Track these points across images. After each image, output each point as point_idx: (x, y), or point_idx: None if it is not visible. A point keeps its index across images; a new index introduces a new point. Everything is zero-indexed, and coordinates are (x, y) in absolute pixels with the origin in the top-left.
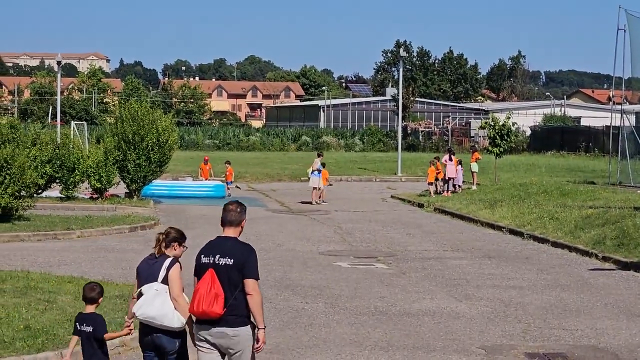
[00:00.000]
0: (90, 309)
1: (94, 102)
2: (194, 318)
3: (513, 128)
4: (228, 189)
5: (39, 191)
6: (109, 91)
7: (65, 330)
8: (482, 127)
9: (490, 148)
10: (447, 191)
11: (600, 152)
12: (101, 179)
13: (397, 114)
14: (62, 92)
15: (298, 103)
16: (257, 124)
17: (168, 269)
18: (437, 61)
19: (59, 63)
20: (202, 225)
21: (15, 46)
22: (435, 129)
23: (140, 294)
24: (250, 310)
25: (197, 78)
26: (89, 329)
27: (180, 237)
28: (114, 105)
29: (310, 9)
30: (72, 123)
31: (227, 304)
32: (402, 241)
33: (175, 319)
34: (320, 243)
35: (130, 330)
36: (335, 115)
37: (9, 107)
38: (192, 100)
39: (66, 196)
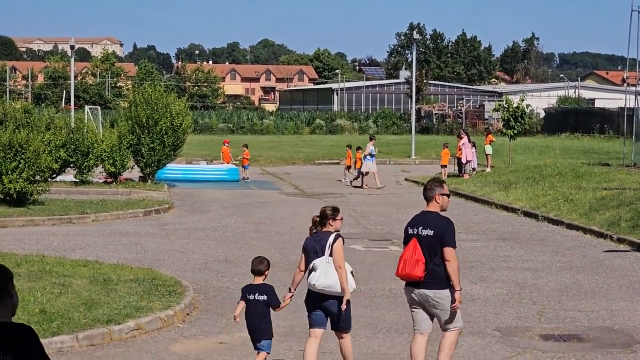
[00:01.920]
0: (259, 280)
1: (108, 86)
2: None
3: (527, 110)
4: (244, 171)
5: (54, 175)
6: (122, 75)
7: (81, 314)
8: (495, 110)
9: (504, 130)
10: (465, 173)
11: (614, 133)
12: (115, 163)
13: (411, 97)
14: (75, 77)
15: (311, 86)
16: (270, 107)
17: (332, 243)
18: (450, 44)
19: (72, 47)
20: (216, 209)
21: (28, 31)
22: (449, 112)
23: (312, 268)
24: (448, 274)
25: (210, 62)
26: (263, 297)
27: (332, 214)
28: (127, 89)
29: None
30: (86, 107)
31: (427, 268)
32: None
33: (336, 286)
34: None
35: (289, 301)
36: (348, 98)
37: (23, 92)
38: (205, 84)
39: (80, 180)
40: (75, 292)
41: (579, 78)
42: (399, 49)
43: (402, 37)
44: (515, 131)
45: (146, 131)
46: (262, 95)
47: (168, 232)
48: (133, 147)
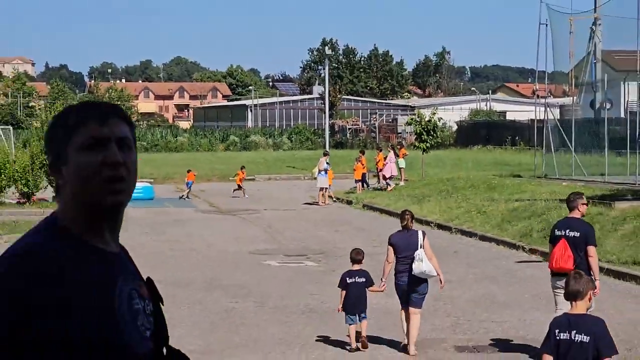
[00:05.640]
0: (356, 267)
1: (20, 106)
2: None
3: (439, 123)
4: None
5: None
6: (34, 95)
7: None
8: (408, 124)
9: (417, 144)
10: (389, 187)
11: (525, 145)
12: (28, 183)
13: (325, 112)
14: None
15: (225, 103)
16: (185, 125)
17: (423, 238)
18: (363, 59)
19: None
20: (131, 228)
21: None
22: (363, 126)
23: (415, 259)
24: (591, 266)
25: (123, 80)
26: (362, 279)
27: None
28: (39, 109)
29: (235, 8)
30: None
31: (575, 262)
32: (331, 239)
33: (434, 271)
34: (250, 242)
35: (384, 288)
36: (262, 114)
37: None
38: (118, 103)
39: None
40: None
41: (490, 91)
42: (312, 64)
43: (315, 53)
44: (428, 144)
45: None
46: (176, 113)
47: None
48: (46, 167)
